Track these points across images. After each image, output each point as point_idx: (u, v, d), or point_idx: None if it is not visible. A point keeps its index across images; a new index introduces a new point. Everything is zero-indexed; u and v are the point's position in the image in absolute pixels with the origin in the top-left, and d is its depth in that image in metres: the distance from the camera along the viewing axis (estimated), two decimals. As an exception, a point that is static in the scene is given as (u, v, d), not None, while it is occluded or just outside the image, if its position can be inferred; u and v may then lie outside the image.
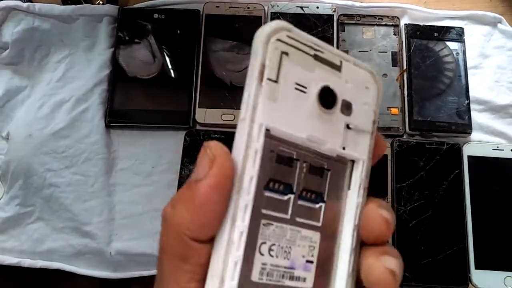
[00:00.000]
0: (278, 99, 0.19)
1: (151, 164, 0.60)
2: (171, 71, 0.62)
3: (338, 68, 0.21)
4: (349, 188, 0.22)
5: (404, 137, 0.60)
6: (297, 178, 0.21)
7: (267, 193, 0.20)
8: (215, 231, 0.19)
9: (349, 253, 0.21)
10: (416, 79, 0.62)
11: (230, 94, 0.60)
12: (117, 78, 0.62)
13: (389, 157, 0.58)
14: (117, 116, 0.60)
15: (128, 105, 0.61)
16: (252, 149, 0.19)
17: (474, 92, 0.62)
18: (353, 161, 0.22)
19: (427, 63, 0.62)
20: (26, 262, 0.56)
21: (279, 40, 0.19)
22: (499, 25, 0.66)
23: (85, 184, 0.58)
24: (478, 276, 0.54)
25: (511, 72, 0.64)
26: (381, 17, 0.64)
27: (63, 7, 0.64)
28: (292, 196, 0.20)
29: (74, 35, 0.64)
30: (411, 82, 0.61)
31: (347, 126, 0.21)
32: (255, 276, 0.19)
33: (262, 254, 0.19)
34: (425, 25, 0.64)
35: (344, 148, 0.21)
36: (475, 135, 0.60)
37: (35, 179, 0.57)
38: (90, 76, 0.61)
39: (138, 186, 0.59)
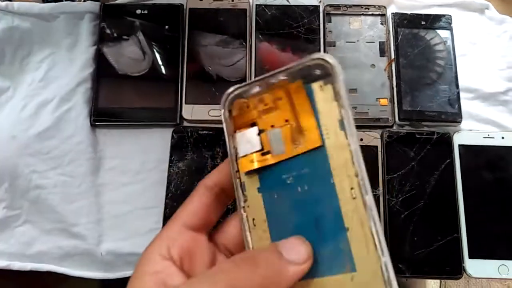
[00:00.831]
0: None
1: (138, 163, 0.59)
2: (162, 67, 0.61)
3: None
4: None
5: (394, 127, 0.60)
6: None
7: None
8: None
9: None
10: (405, 69, 0.61)
11: (217, 89, 0.59)
12: (103, 76, 0.60)
13: (379, 148, 0.57)
14: (102, 115, 0.59)
15: (113, 103, 0.59)
16: None
17: (463, 80, 0.61)
18: None
19: (415, 52, 0.61)
20: (16, 265, 0.56)
21: None
22: (486, 11, 0.65)
23: (72, 185, 0.57)
24: (472, 265, 0.54)
25: (500, 59, 0.63)
26: (367, 6, 0.63)
27: (42, 5, 0.62)
28: None
29: (55, 33, 0.62)
30: (400, 72, 0.60)
31: None
32: None
33: None
34: (413, 13, 0.63)
35: None
36: (465, 124, 0.60)
37: (21, 181, 0.56)
38: (73, 75, 0.60)
39: (126, 185, 0.58)
